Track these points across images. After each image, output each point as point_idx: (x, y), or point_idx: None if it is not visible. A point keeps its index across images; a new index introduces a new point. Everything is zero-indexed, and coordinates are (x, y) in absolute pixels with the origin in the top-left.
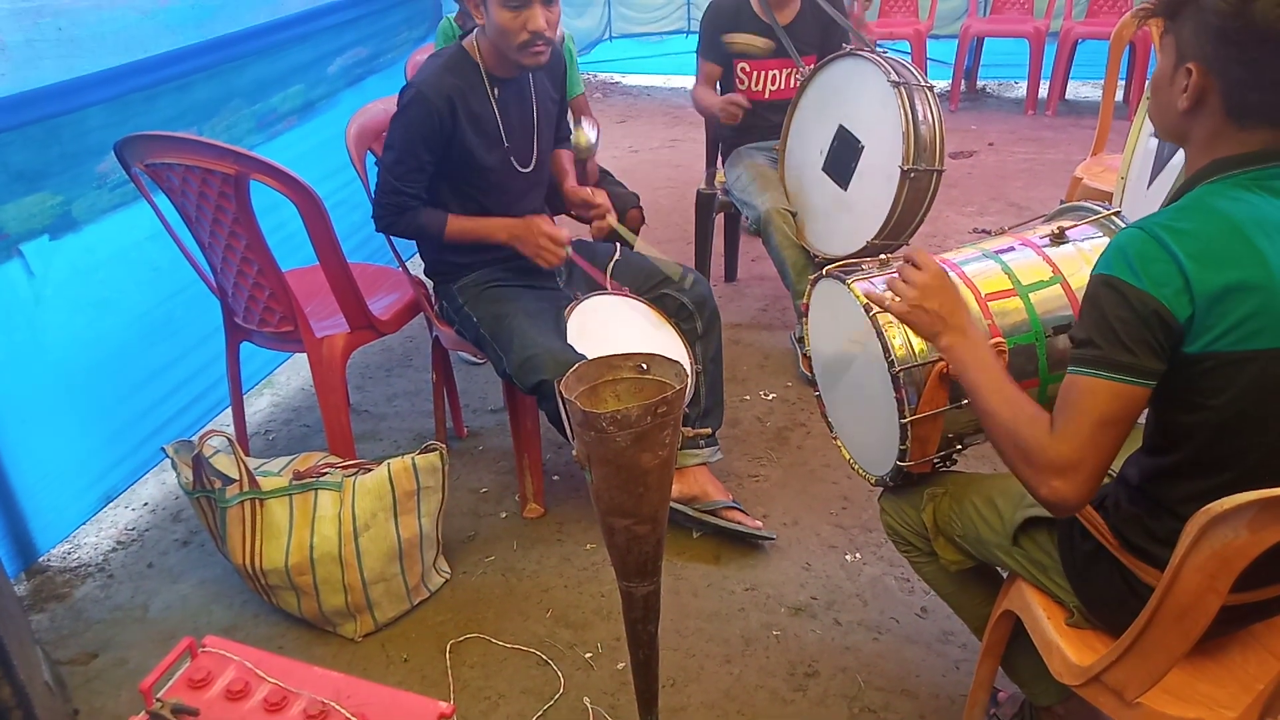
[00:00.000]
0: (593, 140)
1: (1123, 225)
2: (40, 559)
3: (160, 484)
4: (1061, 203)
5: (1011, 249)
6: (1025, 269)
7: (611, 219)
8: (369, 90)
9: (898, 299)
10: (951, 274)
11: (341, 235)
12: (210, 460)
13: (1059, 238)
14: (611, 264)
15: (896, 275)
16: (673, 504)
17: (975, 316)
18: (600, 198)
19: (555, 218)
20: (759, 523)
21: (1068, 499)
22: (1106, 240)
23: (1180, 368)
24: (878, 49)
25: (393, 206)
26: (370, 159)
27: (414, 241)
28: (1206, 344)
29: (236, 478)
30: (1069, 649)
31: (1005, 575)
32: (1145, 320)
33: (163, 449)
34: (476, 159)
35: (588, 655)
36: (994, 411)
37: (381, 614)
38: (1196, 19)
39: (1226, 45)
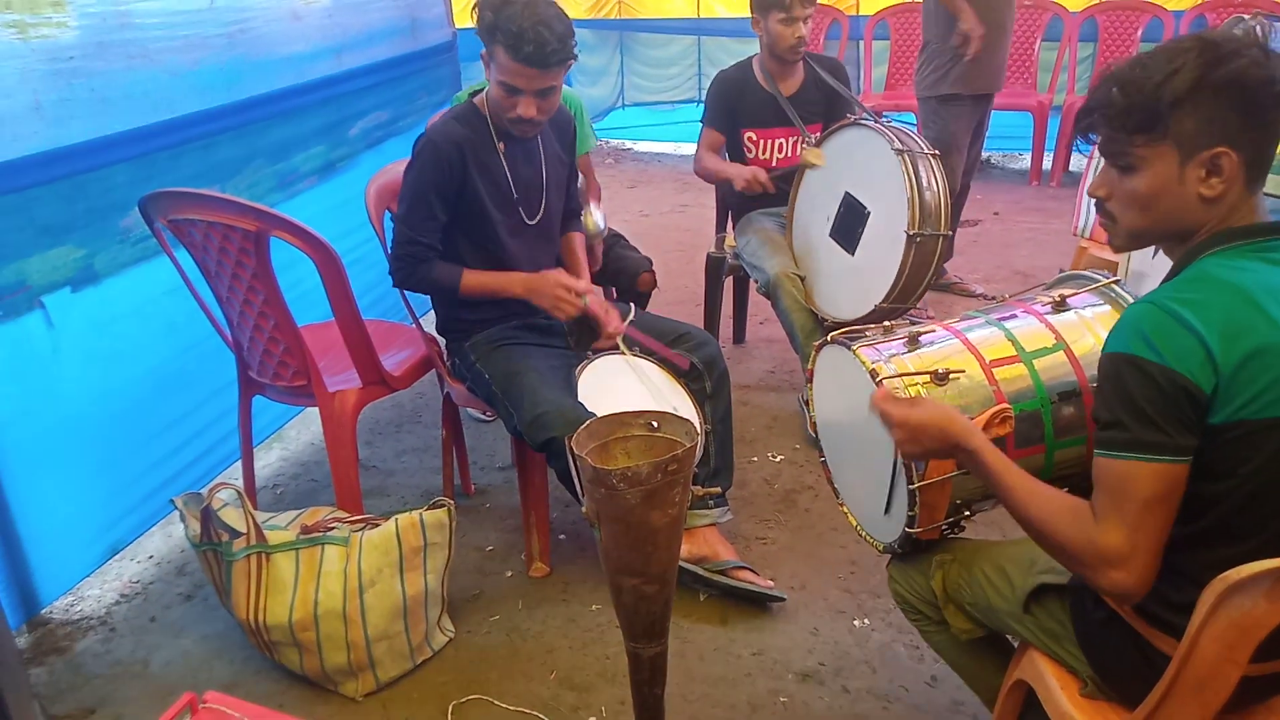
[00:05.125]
0: (601, 226)
1: (1122, 293)
2: (42, 611)
3: (166, 537)
4: (1061, 271)
5: (1014, 316)
6: (1028, 336)
7: (619, 343)
8: (388, 152)
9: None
10: (955, 340)
11: (357, 292)
12: (218, 513)
13: (1060, 305)
14: (626, 324)
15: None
16: (682, 564)
17: (977, 383)
18: (613, 320)
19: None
20: (770, 582)
21: (1131, 589)
22: (1107, 308)
23: (1206, 438)
24: (882, 119)
25: (410, 257)
26: (388, 218)
27: (429, 296)
28: (1231, 413)
29: (244, 531)
30: None
31: (1017, 644)
32: (1173, 397)
33: (171, 501)
34: (486, 210)
35: (591, 719)
36: (1029, 517)
37: (384, 673)
38: (1208, 105)
39: (1252, 113)
